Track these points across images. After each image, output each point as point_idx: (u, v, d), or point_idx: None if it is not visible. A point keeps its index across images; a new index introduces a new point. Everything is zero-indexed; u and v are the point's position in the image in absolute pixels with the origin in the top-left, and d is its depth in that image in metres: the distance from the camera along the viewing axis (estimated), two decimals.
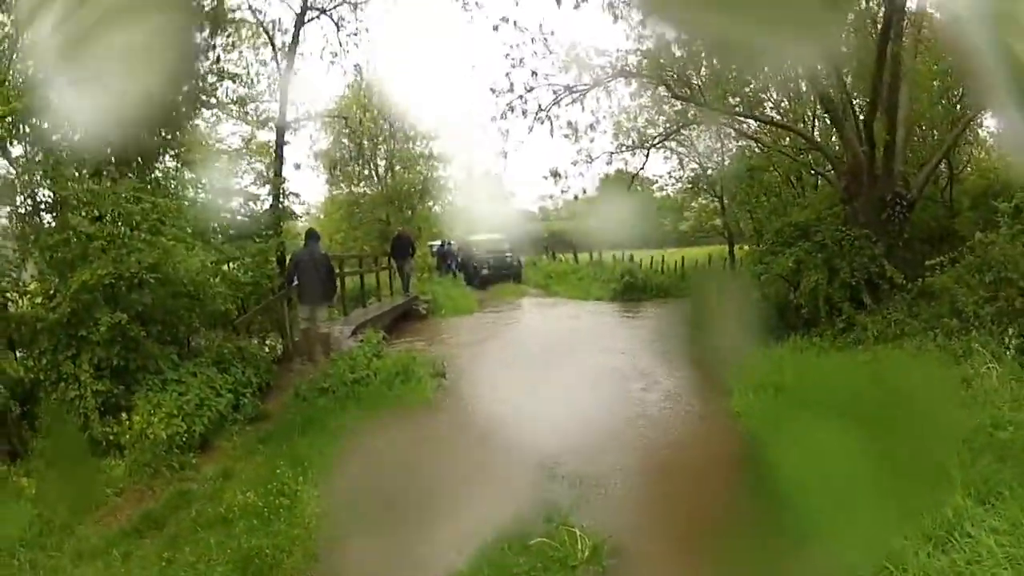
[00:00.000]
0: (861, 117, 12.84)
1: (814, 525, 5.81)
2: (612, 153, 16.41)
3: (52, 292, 9.64)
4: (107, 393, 9.29)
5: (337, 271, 15.22)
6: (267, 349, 12.95)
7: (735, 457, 8.51)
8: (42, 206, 10.21)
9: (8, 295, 10.06)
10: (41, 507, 7.53)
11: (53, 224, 10.02)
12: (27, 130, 9.80)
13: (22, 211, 10.18)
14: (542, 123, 15.27)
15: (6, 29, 10.23)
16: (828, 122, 14.51)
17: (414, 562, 6.37)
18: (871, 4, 13.45)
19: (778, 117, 16.07)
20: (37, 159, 9.75)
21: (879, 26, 12.13)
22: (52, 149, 9.65)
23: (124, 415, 9.14)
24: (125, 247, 9.51)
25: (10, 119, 9.47)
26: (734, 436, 9.21)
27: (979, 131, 15.43)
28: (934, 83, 14.20)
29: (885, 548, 5.27)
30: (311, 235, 13.22)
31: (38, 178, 9.89)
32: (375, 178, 25.13)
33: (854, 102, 13.39)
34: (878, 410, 7.36)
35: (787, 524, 5.97)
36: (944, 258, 11.17)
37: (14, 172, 9.94)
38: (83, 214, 9.56)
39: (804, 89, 15.09)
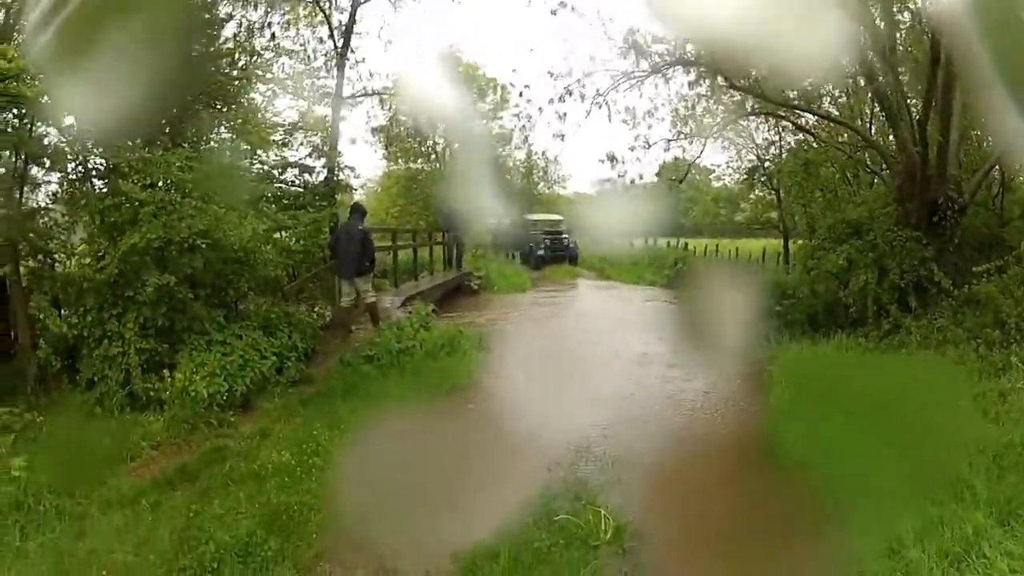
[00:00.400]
0: (916, 117, 12.59)
1: (837, 529, 5.82)
2: (670, 140, 16.35)
3: (101, 254, 9.95)
4: (151, 351, 9.57)
5: (379, 245, 15.43)
6: (315, 316, 13.16)
7: (766, 451, 8.50)
8: (93, 172, 10.53)
9: (56, 256, 10.45)
10: (76, 456, 7.81)
11: (104, 190, 10.33)
12: (77, 102, 10.10)
13: (73, 177, 10.52)
14: (600, 108, 15.27)
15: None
16: (883, 120, 14.26)
17: (438, 532, 6.41)
18: (927, 3, 13.16)
19: (836, 113, 15.84)
20: (89, 129, 10.00)
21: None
22: (103, 119, 9.91)
23: (166, 372, 9.43)
24: (176, 213, 9.76)
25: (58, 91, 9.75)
26: (768, 430, 9.18)
27: None
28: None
29: (904, 561, 5.28)
30: (354, 209, 13.40)
31: (89, 146, 10.16)
32: (433, 155, 25.26)
33: (909, 102, 13.13)
34: (913, 417, 7.30)
35: (809, 524, 5.99)
36: (991, 266, 10.98)
37: (65, 141, 10.24)
38: (135, 181, 9.81)
39: (862, 84, 14.82)
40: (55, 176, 10.55)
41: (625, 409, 10.07)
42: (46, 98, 9.33)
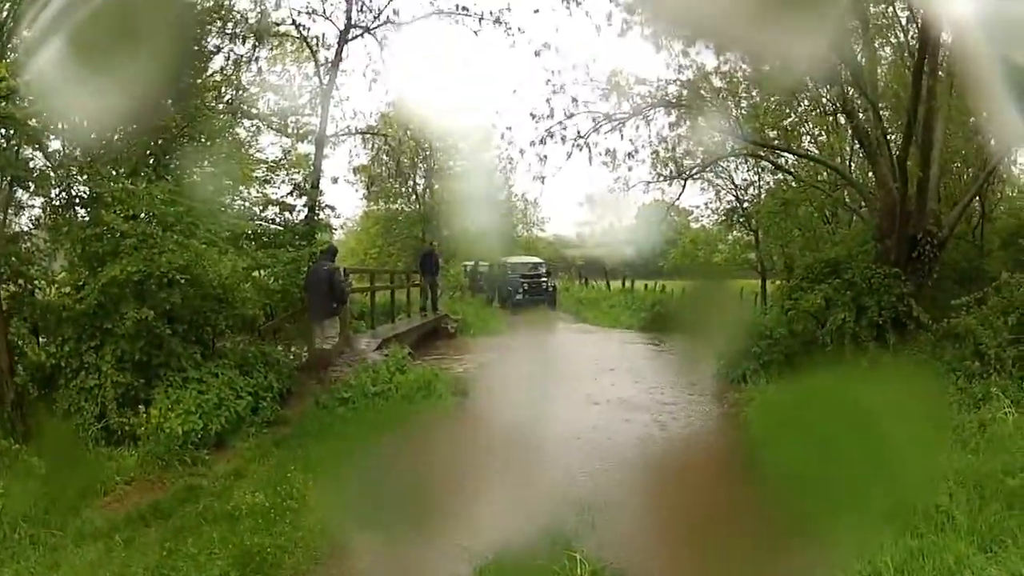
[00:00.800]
0: (895, 153, 12.72)
1: (816, 563, 5.77)
2: (649, 182, 16.46)
3: (81, 284, 9.84)
4: (127, 385, 9.44)
5: (358, 286, 15.34)
6: (292, 356, 13.00)
7: (746, 493, 8.44)
8: (77, 200, 10.45)
9: (36, 283, 10.33)
10: (50, 487, 7.62)
11: (87, 218, 10.24)
12: (65, 127, 10.05)
13: (56, 204, 10.43)
14: (580, 150, 15.39)
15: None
16: (862, 157, 14.44)
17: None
18: (908, 39, 13.38)
19: (815, 151, 16.02)
20: (75, 155, 9.95)
21: (915, 59, 12.02)
22: (89, 146, 9.86)
23: (142, 407, 9.31)
24: (157, 247, 9.66)
25: (46, 114, 9.71)
26: (748, 472, 9.13)
27: (1013, 168, 15.26)
28: (969, 120, 14.06)
29: None
30: (325, 251, 13.31)
31: (74, 172, 10.09)
32: (413, 195, 25.33)
33: (889, 137, 13.29)
34: (892, 451, 7.29)
35: (787, 557, 5.93)
36: (970, 298, 11.03)
37: (50, 166, 10.17)
38: (117, 211, 9.73)
39: (841, 123, 15.02)
40: (39, 201, 10.47)
41: (600, 451, 10.05)
42: (34, 120, 9.29)
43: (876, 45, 13.38)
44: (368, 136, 19.89)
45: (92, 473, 8.21)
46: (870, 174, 14.16)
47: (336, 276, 12.72)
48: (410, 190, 25.22)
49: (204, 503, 7.70)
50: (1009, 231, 14.09)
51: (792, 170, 16.52)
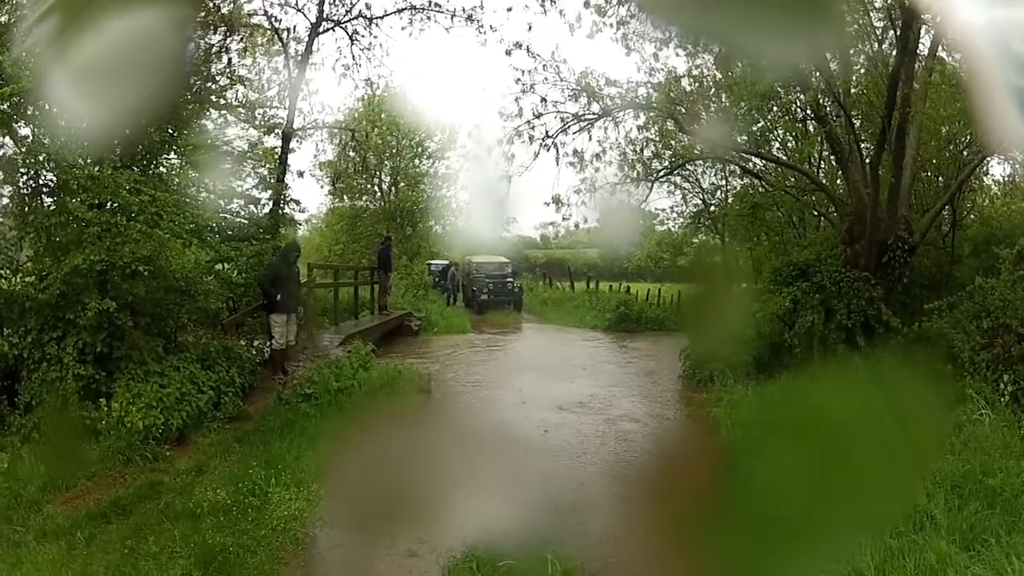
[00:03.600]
0: (867, 159, 12.81)
1: (795, 566, 5.76)
2: (616, 184, 16.45)
3: (45, 273, 9.62)
4: (88, 378, 9.20)
5: (321, 282, 15.19)
6: (254, 351, 12.82)
7: (719, 494, 8.44)
8: (44, 189, 10.18)
9: (1, 272, 10.05)
10: (12, 481, 7.48)
11: (53, 207, 9.99)
12: (36, 112, 9.82)
13: (24, 192, 10.17)
14: (548, 150, 15.35)
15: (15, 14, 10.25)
16: (833, 163, 14.55)
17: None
18: (883, 47, 13.50)
19: (784, 157, 16.13)
20: (44, 141, 9.73)
21: (890, 69, 12.16)
22: (57, 134, 9.63)
23: (103, 401, 9.08)
24: (121, 236, 9.44)
25: (18, 99, 9.48)
26: (719, 473, 9.14)
27: (984, 178, 15.49)
28: (942, 128, 14.23)
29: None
30: (284, 248, 13.27)
31: (42, 159, 9.86)
32: (378, 192, 25.26)
33: (861, 144, 13.40)
34: (868, 452, 7.31)
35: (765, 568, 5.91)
36: (942, 302, 11.13)
37: (19, 152, 9.94)
38: (81, 199, 9.50)
39: (811, 130, 15.14)
40: (7, 190, 10.19)
41: (567, 451, 9.98)
42: (6, 105, 9.08)
43: (851, 53, 13.46)
44: (335, 131, 19.73)
45: (53, 469, 7.98)
46: (839, 181, 14.28)
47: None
48: (375, 187, 25.17)
49: (165, 500, 7.51)
50: (980, 239, 14.29)
51: (760, 174, 16.63)
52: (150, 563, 6.04)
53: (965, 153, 14.36)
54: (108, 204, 9.82)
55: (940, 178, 15.04)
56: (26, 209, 10.04)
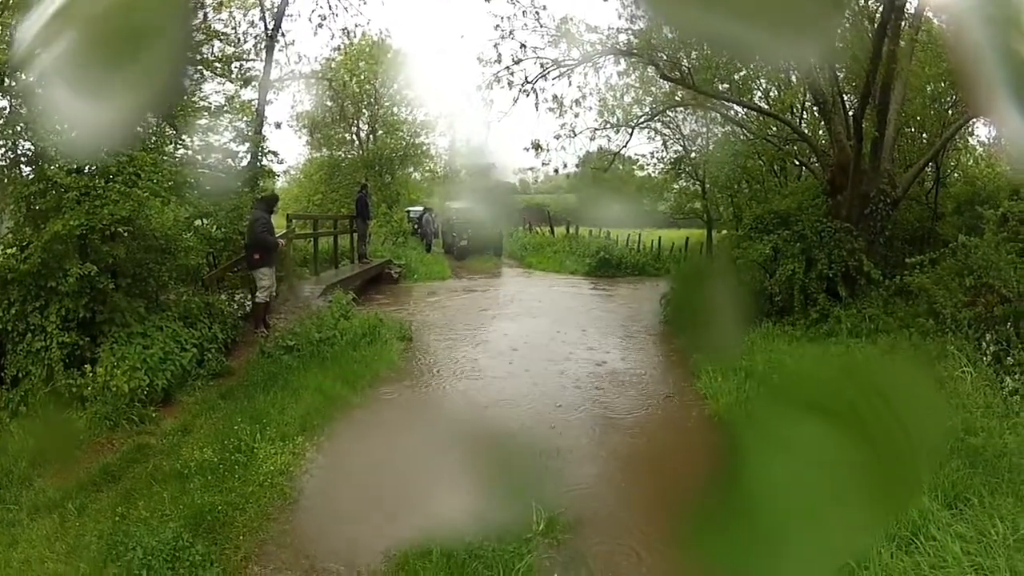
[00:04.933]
0: (851, 112, 12.77)
1: (777, 517, 5.80)
2: (596, 130, 16.41)
3: (25, 243, 9.46)
4: (72, 345, 9.12)
5: (300, 232, 15.09)
6: (236, 305, 12.74)
7: (698, 439, 8.55)
8: (23, 158, 10.03)
9: None
10: (2, 458, 7.45)
11: (32, 175, 9.83)
12: (13, 84, 9.62)
13: (2, 163, 10.01)
14: (527, 96, 15.27)
15: None
16: (816, 114, 14.52)
17: (367, 529, 6.30)
18: (869, 2, 13.39)
19: (766, 106, 16.06)
20: (21, 111, 9.55)
21: (876, 24, 12.01)
22: (35, 103, 9.44)
23: (88, 367, 9.00)
24: (99, 199, 9.28)
25: None
26: (699, 418, 9.24)
27: (968, 138, 15.51)
28: (927, 86, 14.20)
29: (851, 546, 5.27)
30: (262, 199, 13.12)
31: (19, 129, 9.69)
32: (356, 141, 25.04)
33: (844, 96, 13.36)
34: (849, 403, 7.34)
35: (750, 515, 5.96)
36: (924, 258, 11.14)
37: None
38: (59, 165, 9.35)
39: (794, 80, 15.07)
40: None
41: (547, 400, 10.02)
42: None
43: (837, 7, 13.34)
44: (312, 81, 19.51)
45: (42, 441, 7.95)
46: (821, 131, 14.26)
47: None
48: (354, 136, 24.94)
49: (153, 463, 7.52)
50: (964, 197, 14.27)
51: (742, 123, 16.58)
52: (141, 528, 6.05)
53: (950, 112, 14.33)
54: (86, 167, 9.64)
55: (924, 135, 15.02)
56: (4, 180, 9.87)
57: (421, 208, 26.48)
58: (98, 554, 5.73)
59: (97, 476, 7.23)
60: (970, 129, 14.40)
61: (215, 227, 12.74)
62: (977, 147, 15.84)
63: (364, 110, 24.40)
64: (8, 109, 9.70)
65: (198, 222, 12.04)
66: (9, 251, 9.54)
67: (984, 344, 9.09)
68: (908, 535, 5.31)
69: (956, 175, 15.52)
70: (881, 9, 11.85)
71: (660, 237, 23.56)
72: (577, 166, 17.73)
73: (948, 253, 10.84)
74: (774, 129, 15.87)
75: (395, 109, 25.02)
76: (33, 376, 8.88)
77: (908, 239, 13.86)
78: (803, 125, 15.77)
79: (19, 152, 9.97)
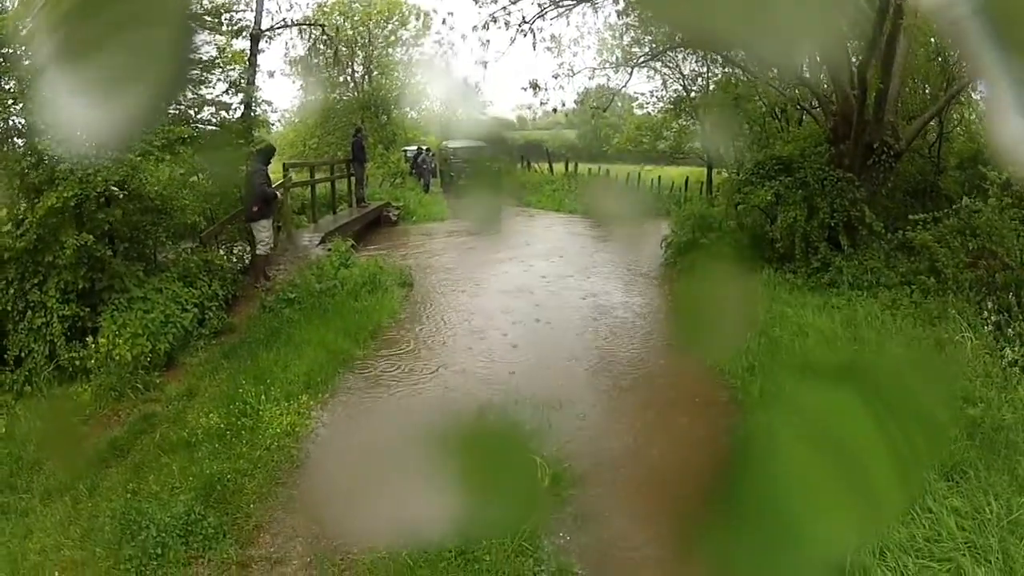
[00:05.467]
0: (854, 60, 12.59)
1: (778, 478, 5.82)
2: (595, 69, 16.25)
3: (20, 218, 9.32)
4: (73, 317, 9.07)
5: (297, 179, 14.98)
6: (234, 259, 12.70)
7: (698, 390, 8.58)
8: (13, 133, 9.87)
9: None
10: (11, 445, 7.42)
11: (24, 149, 9.65)
12: (2, 60, 9.44)
13: None
14: (525, 35, 15.06)
15: None
16: (818, 60, 14.33)
17: (376, 486, 6.27)
18: None
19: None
20: (9, 87, 9.37)
21: None
22: (23, 76, 9.25)
23: (90, 338, 8.99)
24: (92, 166, 9.12)
25: None
26: (700, 369, 9.24)
27: (972, 94, 15.29)
28: (931, 39, 13.97)
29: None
30: (256, 152, 12.85)
31: (10, 104, 9.51)
32: (351, 83, 24.74)
33: (848, 45, 13.17)
34: (851, 362, 7.31)
35: (748, 472, 5.98)
36: (927, 215, 11.07)
37: None
38: (50, 137, 9.14)
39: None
40: None
41: (549, 343, 10.20)
42: None
43: None
44: (305, 27, 19.18)
45: (49, 421, 7.97)
46: (823, 76, 14.06)
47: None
48: (348, 78, 24.63)
49: (160, 432, 7.53)
50: (967, 153, 14.10)
51: (743, 64, 16.36)
52: (153, 504, 6.08)
53: (954, 67, 14.10)
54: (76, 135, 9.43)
55: (927, 88, 14.81)
56: None
57: (417, 147, 26.26)
58: (112, 536, 5.75)
59: (106, 451, 7.22)
60: (973, 85, 14.20)
61: (210, 182, 12.59)
62: (980, 103, 15.65)
63: (359, 51, 24.08)
64: None
65: (193, 178, 11.87)
66: (4, 229, 9.42)
67: (986, 312, 9.02)
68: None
69: (959, 130, 15.32)
70: None
71: (659, 176, 23.42)
72: (576, 103, 17.59)
73: (951, 212, 10.76)
74: (775, 71, 15.67)
75: (390, 50, 24.69)
76: (36, 354, 8.83)
77: (911, 192, 13.77)
78: (804, 70, 15.59)
79: (10, 126, 9.79)
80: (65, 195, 8.79)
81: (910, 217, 11.21)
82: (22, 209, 9.40)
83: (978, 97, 15.21)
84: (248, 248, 12.72)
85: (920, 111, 13.69)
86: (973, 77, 12.64)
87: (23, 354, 8.91)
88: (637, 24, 15.70)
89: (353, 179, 19.86)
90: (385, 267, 13.32)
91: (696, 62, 18.52)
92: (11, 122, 9.74)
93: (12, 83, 9.42)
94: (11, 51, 9.28)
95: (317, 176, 18.13)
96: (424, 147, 25.97)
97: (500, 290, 12.88)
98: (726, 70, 17.49)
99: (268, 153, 12.79)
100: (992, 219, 9.98)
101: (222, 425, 7.46)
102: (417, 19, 24.55)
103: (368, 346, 10.06)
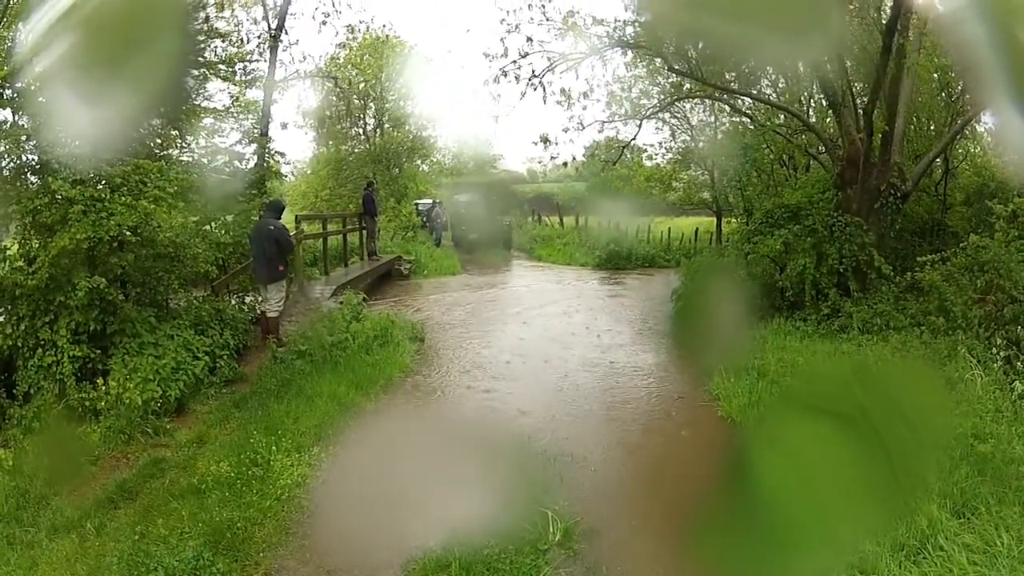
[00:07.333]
0: (860, 104, 12.72)
1: (788, 522, 5.77)
2: (604, 122, 16.41)
3: (32, 257, 9.39)
4: (84, 358, 9.06)
5: (309, 232, 15.00)
6: (245, 308, 12.69)
7: (711, 442, 8.51)
8: (27, 170, 9.95)
9: None
10: (18, 479, 7.38)
11: (37, 187, 9.73)
12: (15, 95, 9.56)
13: (6, 174, 9.91)
14: (535, 89, 15.25)
15: None
16: (824, 105, 14.47)
17: (385, 541, 6.23)
18: None
19: (774, 96, 16.02)
20: (23, 124, 9.49)
21: (883, 13, 11.94)
22: (37, 114, 9.37)
23: (100, 380, 8.96)
24: (105, 210, 9.16)
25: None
26: (712, 420, 9.19)
27: (977, 127, 15.40)
28: (935, 75, 14.11)
29: (857, 554, 5.22)
30: (269, 206, 12.58)
31: (23, 140, 9.61)
32: (363, 136, 25.01)
33: (854, 89, 13.31)
34: (860, 406, 7.29)
35: (760, 519, 5.93)
36: (935, 256, 11.00)
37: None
38: (64, 177, 9.21)
39: (802, 70, 15.01)
40: None
41: (562, 401, 10.04)
42: None
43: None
44: (317, 79, 19.48)
45: (57, 459, 7.92)
46: (828, 121, 14.20)
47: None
48: (360, 130, 24.91)
49: (170, 477, 7.50)
50: (973, 188, 14.18)
51: (750, 113, 16.54)
52: (161, 548, 6.02)
53: (959, 103, 14.24)
54: (91, 177, 9.49)
55: (932, 125, 14.95)
56: (9, 192, 9.78)
57: (430, 201, 26.46)
58: None
59: (114, 493, 7.19)
60: (979, 118, 14.30)
61: (223, 231, 12.64)
62: (985, 135, 15.75)
63: (370, 104, 24.40)
64: (8, 121, 9.64)
65: (207, 227, 11.92)
66: (16, 264, 9.46)
67: (995, 349, 9.00)
68: (916, 544, 5.30)
69: (965, 165, 15.40)
70: (891, 2, 11.75)
71: (670, 228, 23.58)
72: (585, 156, 17.77)
73: (959, 250, 10.76)
74: (782, 119, 15.83)
75: (401, 103, 25.02)
76: (45, 391, 8.82)
77: (918, 231, 13.85)
78: (811, 116, 15.75)
79: (23, 162, 9.88)
80: (78, 237, 8.82)
81: (918, 259, 11.17)
82: (35, 247, 9.47)
83: (983, 129, 15.35)
84: (261, 305, 12.65)
85: (926, 149, 13.83)
86: (978, 109, 12.76)
87: (32, 390, 8.88)
88: (645, 76, 15.94)
89: (365, 232, 19.97)
90: (397, 321, 13.30)
91: (704, 111, 18.81)
92: (24, 159, 9.78)
93: (25, 119, 9.49)
94: (24, 87, 9.40)
95: (329, 228, 18.23)
96: (437, 200, 26.18)
97: (510, 347, 12.85)
98: (734, 119, 17.69)
99: (278, 208, 12.73)
100: (999, 253, 9.96)
101: (232, 473, 7.42)
102: (429, 73, 24.92)
103: (380, 400, 10.01)
